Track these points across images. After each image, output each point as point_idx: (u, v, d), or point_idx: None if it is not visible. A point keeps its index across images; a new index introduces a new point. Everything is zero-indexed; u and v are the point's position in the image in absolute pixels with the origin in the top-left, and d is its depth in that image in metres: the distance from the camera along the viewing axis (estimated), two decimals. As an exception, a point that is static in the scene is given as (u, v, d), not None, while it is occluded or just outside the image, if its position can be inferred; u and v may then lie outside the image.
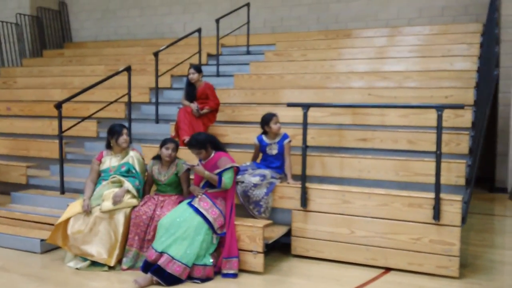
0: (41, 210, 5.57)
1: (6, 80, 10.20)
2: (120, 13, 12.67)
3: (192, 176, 4.76)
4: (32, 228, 5.28)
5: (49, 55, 11.90)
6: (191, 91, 6.42)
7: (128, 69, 6.92)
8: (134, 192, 4.59)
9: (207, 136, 4.49)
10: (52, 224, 5.16)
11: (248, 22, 9.91)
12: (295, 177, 4.85)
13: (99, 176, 4.84)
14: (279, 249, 4.81)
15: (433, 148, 5.11)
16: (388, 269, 4.33)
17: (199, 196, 4.38)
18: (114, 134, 4.80)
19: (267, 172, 4.77)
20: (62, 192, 5.86)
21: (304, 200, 4.60)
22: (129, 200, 4.54)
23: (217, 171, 4.37)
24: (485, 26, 8.10)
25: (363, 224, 4.41)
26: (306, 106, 4.61)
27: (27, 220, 5.37)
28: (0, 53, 11.48)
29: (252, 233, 4.30)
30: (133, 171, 4.73)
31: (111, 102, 7.14)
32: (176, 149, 4.72)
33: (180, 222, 4.20)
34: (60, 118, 5.85)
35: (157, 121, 7.47)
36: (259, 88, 7.44)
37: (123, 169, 4.74)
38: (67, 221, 4.54)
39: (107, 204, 4.47)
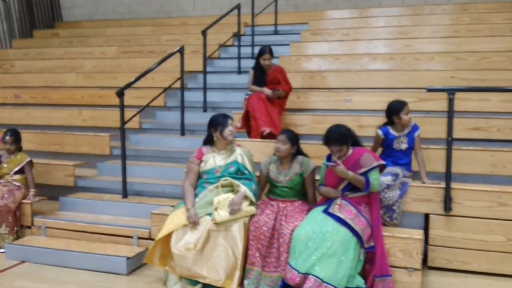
0: (105, 219, 4.64)
1: (1, 64, 9.02)
2: (118, -11, 11.53)
3: (317, 177, 3.96)
4: (103, 242, 4.35)
5: (41, 36, 10.67)
6: (260, 76, 5.56)
7: (181, 50, 5.97)
8: (253, 198, 3.75)
9: (347, 129, 3.69)
10: (129, 237, 4.32)
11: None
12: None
13: (199, 178, 3.97)
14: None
15: None
16: (557, 283, 3.71)
17: (338, 202, 3.60)
18: (218, 126, 3.92)
19: (398, 170, 4.03)
20: (125, 196, 4.93)
21: (449, 203, 3.90)
22: (247, 208, 3.69)
23: (361, 170, 3.59)
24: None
25: (526, 231, 3.77)
26: (452, 91, 3.87)
27: (92, 232, 4.44)
28: (-12, 33, 10.18)
29: (407, 246, 3.56)
30: (245, 171, 3.87)
31: (165, 89, 6.26)
32: (288, 141, 3.86)
33: (323, 235, 3.41)
34: (122, 107, 4.89)
35: (205, 109, 6.58)
36: (317, 71, 6.66)
37: (231, 169, 3.88)
38: (167, 236, 3.66)
39: (224, 214, 3.61)
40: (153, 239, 4.23)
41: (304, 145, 4.17)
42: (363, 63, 6.74)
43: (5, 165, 4.81)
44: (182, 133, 5.97)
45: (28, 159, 4.85)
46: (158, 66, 5.76)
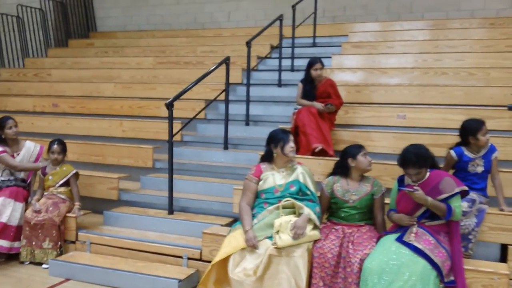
0: (152, 236, 4.42)
1: (38, 72, 8.95)
2: (152, 0, 11.47)
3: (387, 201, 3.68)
4: (151, 261, 4.13)
5: (76, 45, 10.68)
6: (310, 90, 5.33)
7: (227, 61, 5.79)
8: (317, 221, 3.48)
9: (426, 149, 3.39)
10: (178, 256, 4.08)
11: (315, 11, 8.82)
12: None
13: (256, 198, 3.73)
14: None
15: None
16: None
17: (414, 230, 3.31)
18: (279, 141, 3.67)
19: (475, 196, 3.70)
20: (171, 212, 4.72)
21: (533, 234, 3.57)
22: (311, 233, 3.42)
23: (441, 197, 3.27)
24: None
25: None
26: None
27: (139, 249, 4.22)
28: (25, 41, 10.17)
29: (491, 281, 3.24)
30: (308, 192, 3.61)
31: (211, 101, 6.08)
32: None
33: (398, 267, 3.11)
34: (171, 119, 4.69)
35: (247, 122, 6.36)
36: (364, 85, 6.41)
37: (292, 189, 3.61)
38: (224, 260, 3.42)
39: (286, 238, 3.34)
40: (203, 260, 4.02)
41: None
42: (412, 78, 6.46)
43: (50, 177, 4.64)
44: (226, 147, 5.77)
45: (74, 171, 4.68)
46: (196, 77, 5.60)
